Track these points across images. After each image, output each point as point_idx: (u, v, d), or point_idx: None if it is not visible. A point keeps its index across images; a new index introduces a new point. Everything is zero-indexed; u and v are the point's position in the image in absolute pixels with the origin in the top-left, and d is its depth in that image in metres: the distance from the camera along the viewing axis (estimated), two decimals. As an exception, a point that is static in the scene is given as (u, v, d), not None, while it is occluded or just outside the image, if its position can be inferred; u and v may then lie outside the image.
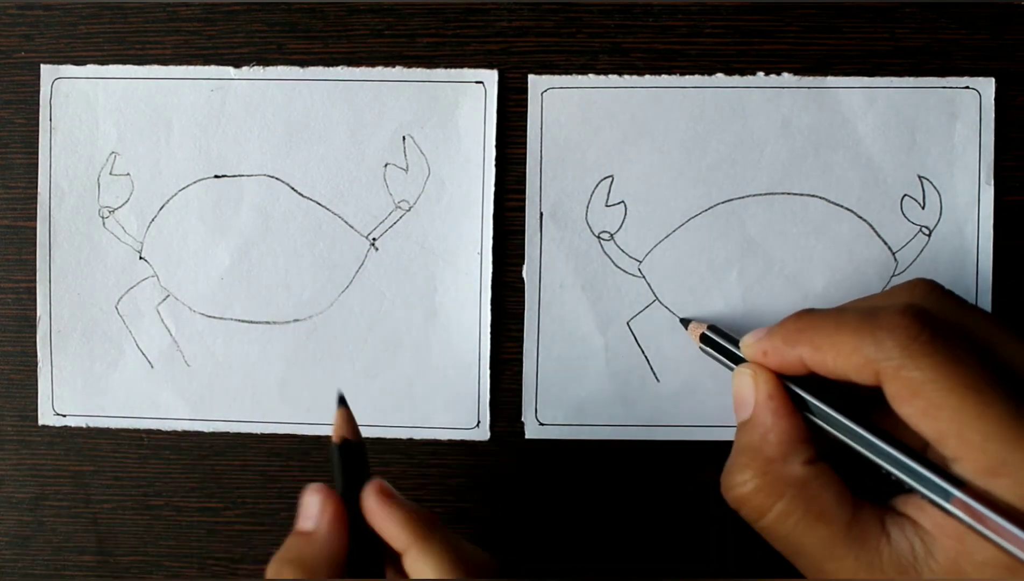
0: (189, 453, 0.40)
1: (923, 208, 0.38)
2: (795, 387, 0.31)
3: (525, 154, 0.39)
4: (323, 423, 0.39)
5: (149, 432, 0.40)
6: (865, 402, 0.31)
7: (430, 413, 0.39)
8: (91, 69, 0.39)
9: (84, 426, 0.40)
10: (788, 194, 0.39)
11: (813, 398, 0.31)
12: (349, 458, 0.31)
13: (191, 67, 0.39)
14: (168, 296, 0.39)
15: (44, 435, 0.40)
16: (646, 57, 0.39)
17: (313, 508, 0.30)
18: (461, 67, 0.39)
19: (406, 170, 0.39)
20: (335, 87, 0.39)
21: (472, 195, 0.39)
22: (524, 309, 0.39)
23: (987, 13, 0.39)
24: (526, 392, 0.39)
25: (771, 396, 0.31)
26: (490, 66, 0.39)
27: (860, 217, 0.38)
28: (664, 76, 0.39)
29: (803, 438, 0.30)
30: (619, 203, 0.39)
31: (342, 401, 0.33)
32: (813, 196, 0.38)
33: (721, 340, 0.35)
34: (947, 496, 0.27)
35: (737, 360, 0.34)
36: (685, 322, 0.38)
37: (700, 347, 0.36)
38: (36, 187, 0.39)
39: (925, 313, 0.28)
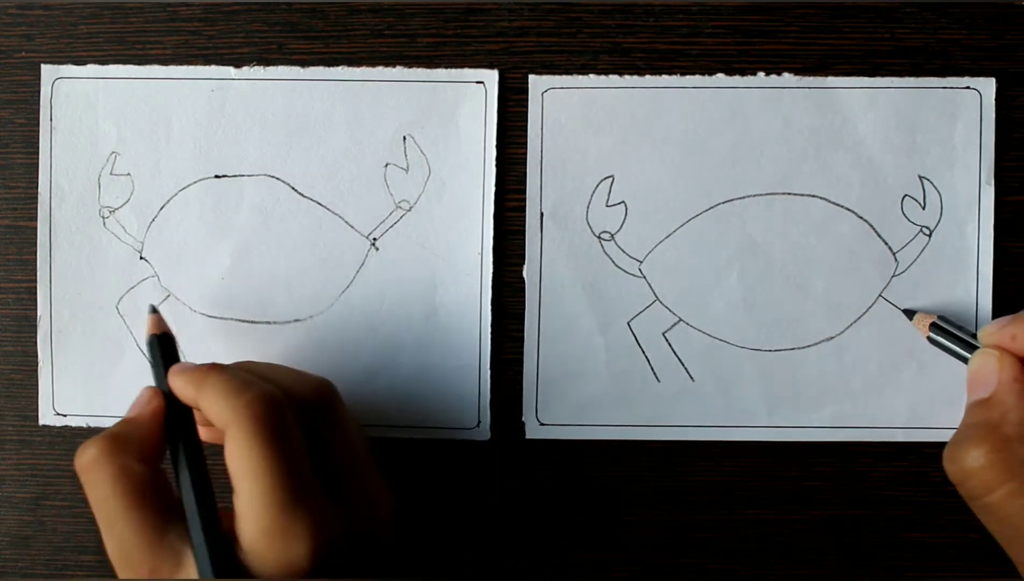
0: (190, 453, 0.40)
1: (923, 208, 0.38)
2: None
3: (525, 154, 0.39)
4: (323, 423, 0.39)
5: (150, 432, 0.40)
6: None
7: (430, 413, 0.39)
8: (91, 69, 0.39)
9: (85, 426, 0.40)
10: (788, 194, 0.39)
11: None
12: (163, 348, 0.34)
13: (191, 67, 0.39)
14: (169, 296, 0.39)
15: (45, 435, 0.40)
16: (647, 57, 0.39)
17: (139, 400, 0.32)
18: (462, 67, 0.39)
19: (406, 170, 0.39)
20: (335, 87, 0.39)
21: (472, 195, 0.39)
22: (524, 309, 0.39)
23: (987, 13, 0.39)
24: (526, 392, 0.39)
25: (1016, 379, 0.32)
26: (490, 66, 0.39)
27: (860, 217, 0.38)
28: (665, 76, 0.39)
29: None
30: (620, 203, 0.39)
31: (153, 309, 0.36)
32: (813, 196, 0.38)
33: (953, 329, 0.36)
34: None
35: (970, 348, 0.35)
36: (910, 313, 0.38)
37: (929, 337, 0.37)
38: (36, 187, 0.39)
39: None
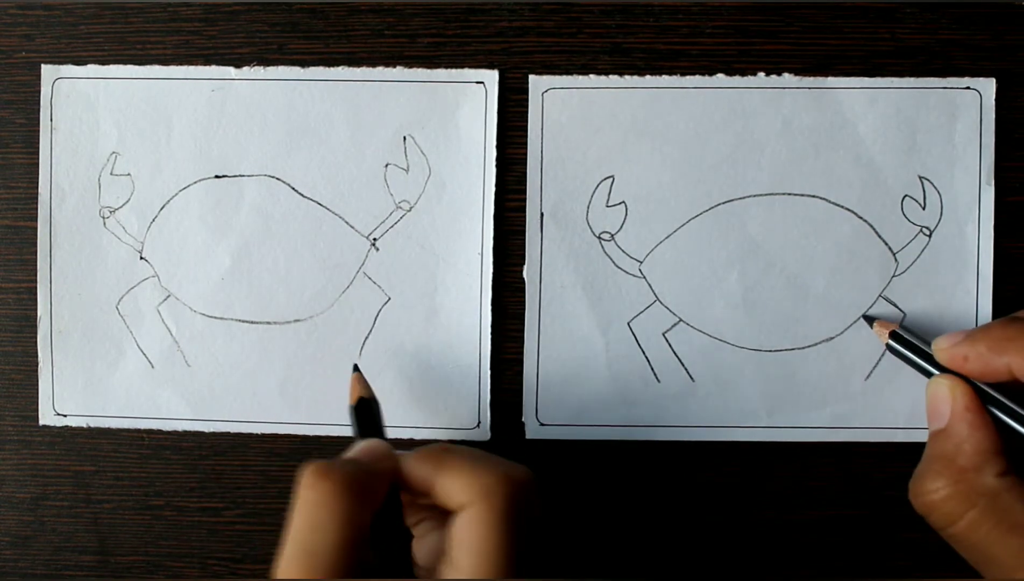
0: (190, 453, 0.40)
1: (924, 208, 0.38)
2: (998, 395, 0.32)
3: (526, 154, 0.39)
4: (323, 423, 0.39)
5: (150, 432, 0.40)
6: None
7: (430, 413, 0.39)
8: (92, 69, 0.39)
9: (85, 426, 0.40)
10: (789, 195, 0.39)
11: (1018, 407, 0.32)
12: (365, 414, 0.35)
13: (192, 67, 0.39)
14: (169, 296, 0.39)
15: (45, 435, 0.40)
16: (647, 57, 0.39)
17: (374, 451, 0.31)
18: (462, 67, 0.39)
19: (407, 170, 0.39)
20: (336, 87, 0.39)
21: (473, 195, 0.39)
22: (525, 309, 0.39)
23: (987, 13, 0.39)
24: (527, 392, 0.39)
25: (968, 408, 0.32)
26: (491, 66, 0.39)
27: (861, 217, 0.38)
28: (665, 76, 0.39)
29: (997, 450, 0.31)
30: (620, 203, 0.39)
31: (356, 368, 0.37)
32: (814, 197, 0.38)
33: (913, 339, 0.36)
34: None
35: (928, 360, 0.35)
36: (870, 319, 0.38)
37: (888, 345, 0.37)
38: (37, 187, 0.39)
39: None
